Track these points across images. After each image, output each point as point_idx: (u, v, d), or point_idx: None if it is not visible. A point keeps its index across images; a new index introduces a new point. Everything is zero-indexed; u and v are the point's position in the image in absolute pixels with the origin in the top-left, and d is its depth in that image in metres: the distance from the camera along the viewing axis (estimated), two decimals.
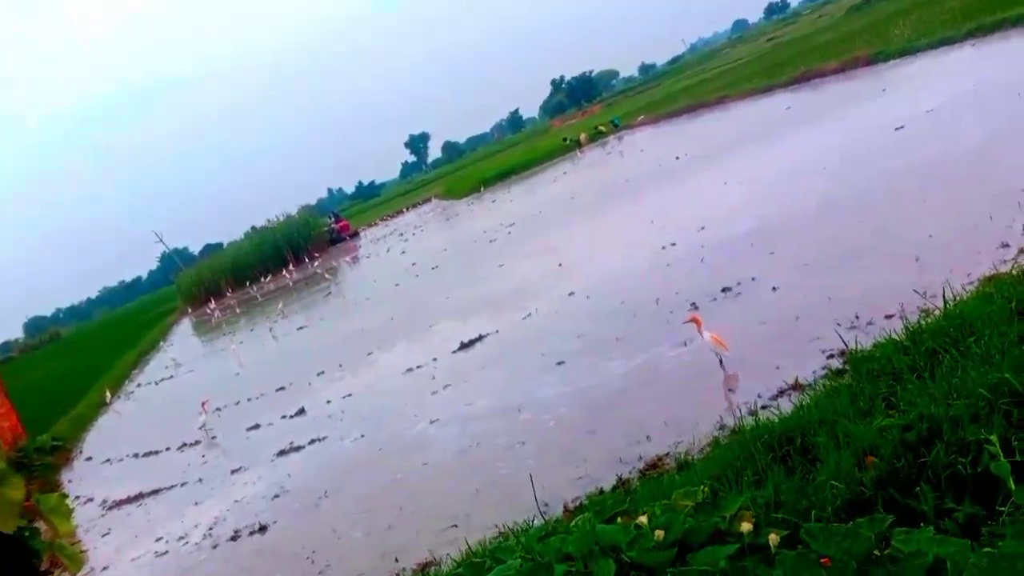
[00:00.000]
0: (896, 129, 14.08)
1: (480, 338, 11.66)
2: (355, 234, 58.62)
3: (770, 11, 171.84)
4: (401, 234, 40.93)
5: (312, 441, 10.09)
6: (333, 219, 62.46)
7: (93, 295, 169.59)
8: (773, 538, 3.26)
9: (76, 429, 18.52)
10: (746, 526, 3.52)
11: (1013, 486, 3.01)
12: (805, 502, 3.83)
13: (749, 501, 3.90)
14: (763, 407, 5.94)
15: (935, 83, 17.98)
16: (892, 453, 3.72)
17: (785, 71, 33.66)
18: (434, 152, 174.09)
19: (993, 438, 3.09)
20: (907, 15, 32.29)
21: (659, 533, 3.63)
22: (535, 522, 5.40)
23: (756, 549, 3.37)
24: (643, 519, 3.85)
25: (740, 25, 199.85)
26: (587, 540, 3.98)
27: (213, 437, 12.49)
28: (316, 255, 50.75)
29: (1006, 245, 6.96)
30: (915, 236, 8.34)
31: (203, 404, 12.98)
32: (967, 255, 7.07)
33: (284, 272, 45.31)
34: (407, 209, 62.17)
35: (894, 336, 5.48)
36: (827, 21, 67.55)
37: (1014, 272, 5.79)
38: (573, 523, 4.72)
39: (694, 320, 7.38)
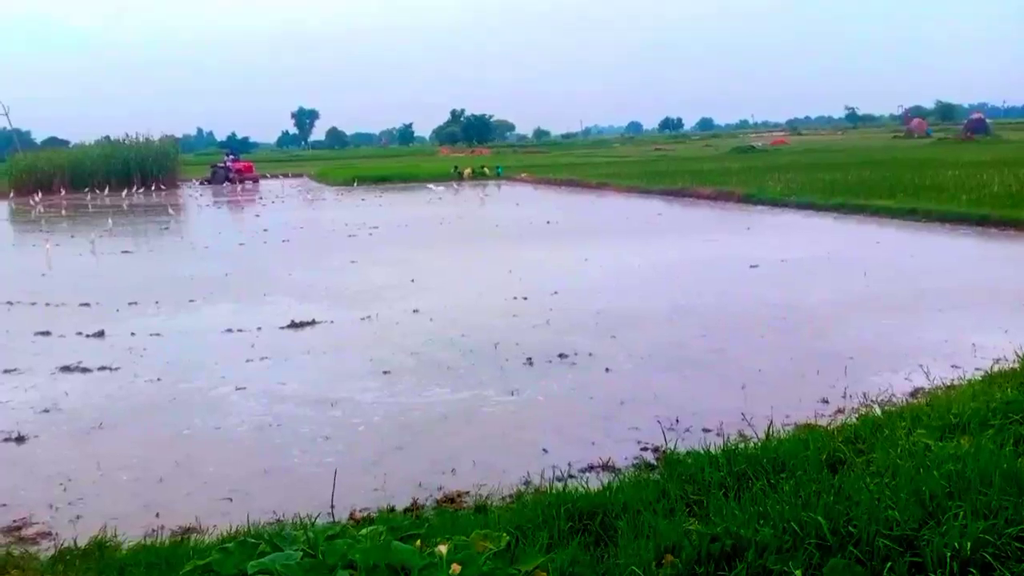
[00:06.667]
0: (751, 267, 14.96)
1: (312, 323, 11.34)
2: (256, 179, 55.10)
3: (664, 125, 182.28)
4: (261, 198, 39.58)
5: (103, 368, 9.39)
6: (229, 157, 58.12)
7: None
8: None
9: None
10: None
11: None
12: None
13: (547, 562, 3.90)
14: (571, 476, 6.03)
15: (794, 238, 19.32)
16: (692, 558, 3.83)
17: (664, 180, 35.35)
18: (317, 134, 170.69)
19: (797, 573, 3.23)
20: (783, 171, 34.82)
21: (456, 567, 3.57)
22: (319, 519, 5.21)
23: None
24: (442, 549, 3.77)
25: (634, 127, 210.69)
26: (378, 554, 3.85)
27: None
28: (163, 187, 48.34)
29: (825, 401, 7.45)
30: (747, 366, 8.81)
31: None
32: (789, 399, 7.50)
33: (126, 192, 42.75)
34: (271, 176, 60.27)
35: (711, 450, 5.70)
36: (712, 152, 71.78)
37: (830, 427, 6.19)
38: (363, 532, 4.56)
39: None
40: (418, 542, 4.00)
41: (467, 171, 50.20)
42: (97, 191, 44.46)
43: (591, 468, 6.27)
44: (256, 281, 15.42)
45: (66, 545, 5.06)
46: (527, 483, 5.93)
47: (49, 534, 5.46)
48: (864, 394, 7.36)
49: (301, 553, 4.03)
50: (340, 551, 4.01)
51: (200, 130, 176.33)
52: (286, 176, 61.19)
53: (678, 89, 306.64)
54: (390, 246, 20.09)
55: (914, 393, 7.50)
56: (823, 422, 6.57)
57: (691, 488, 5.08)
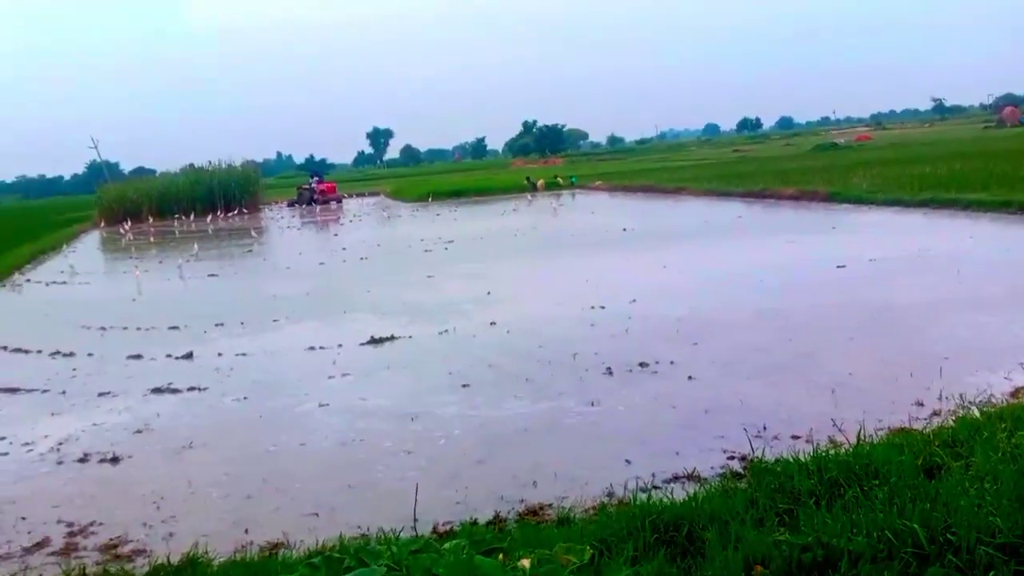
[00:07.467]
0: (838, 267, 14.51)
1: (392, 338, 11.45)
2: (339, 200, 56.03)
3: (742, 125, 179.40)
4: (338, 218, 40.45)
5: (192, 388, 9.66)
6: (314, 179, 59.12)
7: (8, 179, 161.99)
8: None
9: None
10: None
11: None
12: None
13: (633, 575, 3.82)
14: (655, 487, 5.91)
15: (882, 236, 18.67)
16: (783, 569, 3.70)
17: (744, 182, 34.70)
18: (392, 152, 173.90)
19: None
20: (868, 168, 33.79)
21: None
22: (402, 533, 5.22)
23: None
24: (525, 563, 3.73)
25: (711, 129, 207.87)
26: (462, 568, 3.84)
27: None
28: (246, 211, 49.83)
29: (920, 404, 7.15)
30: (836, 370, 8.53)
31: None
32: (882, 402, 7.23)
33: (210, 217, 44.26)
34: (348, 195, 61.49)
35: (800, 457, 5.51)
36: (793, 151, 70.26)
37: (925, 431, 5.93)
38: (446, 546, 4.56)
39: None
40: (501, 556, 3.97)
41: (541, 182, 50.33)
42: (183, 217, 46.10)
43: (676, 478, 6.13)
44: (336, 299, 15.74)
45: (160, 562, 5.19)
46: (610, 495, 5.85)
47: (144, 551, 5.61)
48: (961, 395, 7.00)
49: (386, 568, 4.05)
50: (424, 566, 4.01)
51: (279, 153, 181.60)
52: (362, 195, 62.44)
53: (755, 88, 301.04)
54: (466, 260, 20.24)
55: (1014, 393, 7.14)
56: (918, 426, 6.31)
57: (780, 497, 4.92)
